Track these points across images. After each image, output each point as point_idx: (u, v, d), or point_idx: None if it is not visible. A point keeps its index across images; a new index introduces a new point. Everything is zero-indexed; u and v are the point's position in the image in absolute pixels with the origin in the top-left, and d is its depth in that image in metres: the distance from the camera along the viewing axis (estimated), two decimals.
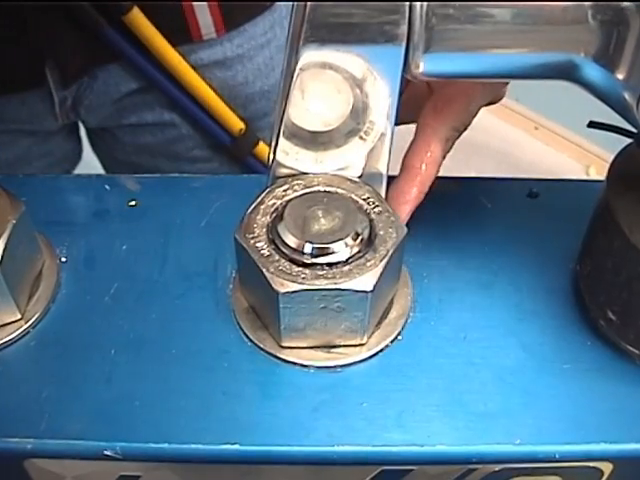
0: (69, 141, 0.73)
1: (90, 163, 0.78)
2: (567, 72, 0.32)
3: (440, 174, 0.39)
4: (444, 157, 0.38)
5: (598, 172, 1.72)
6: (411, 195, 0.37)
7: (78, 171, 0.76)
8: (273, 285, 0.31)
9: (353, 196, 0.35)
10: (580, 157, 1.77)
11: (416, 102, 0.40)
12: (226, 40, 0.64)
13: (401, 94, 0.40)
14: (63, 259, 0.40)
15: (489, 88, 0.39)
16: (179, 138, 0.71)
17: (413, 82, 0.40)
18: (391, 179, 0.37)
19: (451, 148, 0.38)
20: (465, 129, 0.38)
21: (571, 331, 0.36)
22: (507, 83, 0.40)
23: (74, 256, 0.40)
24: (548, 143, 1.81)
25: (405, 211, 0.36)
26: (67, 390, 0.34)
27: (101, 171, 0.79)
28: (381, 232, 0.34)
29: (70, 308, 0.37)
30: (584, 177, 1.73)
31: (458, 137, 0.38)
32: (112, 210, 0.43)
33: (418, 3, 0.30)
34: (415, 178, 0.37)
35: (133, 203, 0.43)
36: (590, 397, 0.34)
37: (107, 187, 0.44)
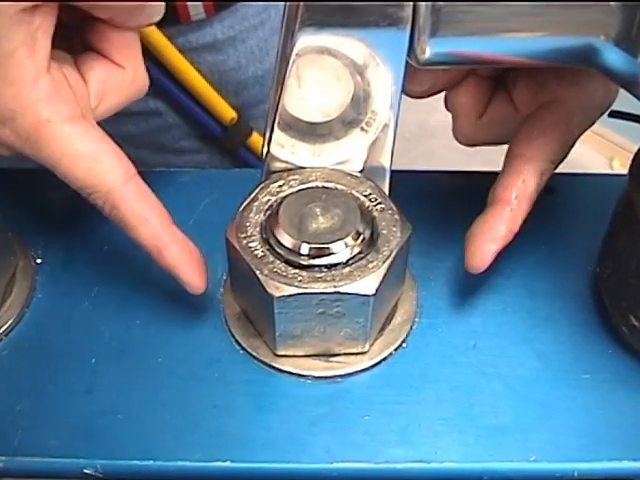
0: None
1: None
2: (586, 57, 0.32)
3: (446, 168, 0.39)
4: (538, 193, 0.36)
5: (623, 165, 1.73)
6: (499, 233, 0.35)
7: None
8: (267, 288, 0.32)
9: (354, 192, 0.35)
10: (603, 148, 1.77)
11: (501, 124, 0.40)
12: (216, 21, 0.64)
13: (440, 91, 0.40)
14: (38, 260, 0.40)
15: (588, 114, 0.38)
16: (165, 128, 0.71)
17: (496, 102, 0.39)
18: (395, 174, 0.37)
19: (545, 184, 0.37)
20: (561, 162, 0.37)
21: (590, 339, 0.37)
22: (606, 110, 0.39)
23: (50, 257, 0.40)
24: None
25: (490, 251, 0.35)
26: (43, 403, 0.34)
27: None
28: (384, 231, 0.34)
29: (46, 314, 0.38)
30: (607, 170, 1.73)
31: (553, 170, 0.37)
32: (92, 207, 0.43)
33: None
34: (505, 214, 0.35)
35: None
36: (611, 410, 0.34)
37: None
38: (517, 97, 0.40)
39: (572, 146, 0.38)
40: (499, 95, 0.40)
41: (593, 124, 0.40)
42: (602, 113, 0.40)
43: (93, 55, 0.36)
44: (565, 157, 0.38)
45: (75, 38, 0.36)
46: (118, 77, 0.36)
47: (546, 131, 0.37)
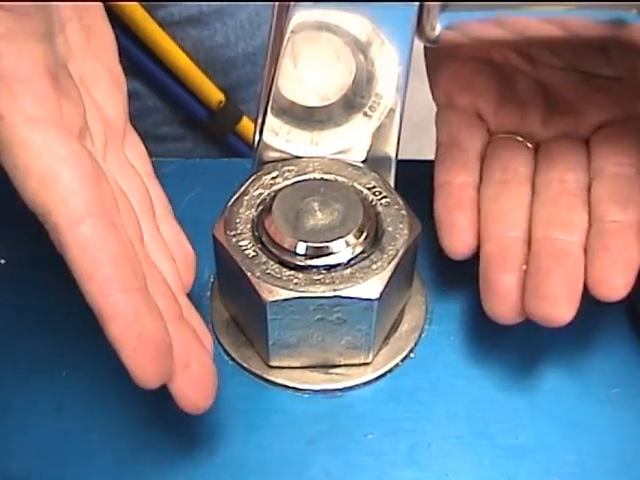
0: None
1: None
2: (615, 32, 0.32)
3: None
4: None
5: None
6: None
7: None
8: (260, 292, 0.32)
9: (356, 185, 0.36)
10: None
11: None
12: None
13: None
14: (2, 261, 0.40)
15: (618, 99, 0.38)
16: (144, 112, 0.71)
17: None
18: (402, 164, 0.37)
19: None
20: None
21: (621, 348, 0.37)
22: None
23: (15, 257, 0.40)
24: None
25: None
26: (6, 421, 0.34)
27: None
28: (389, 228, 0.34)
29: (11, 320, 0.38)
30: None
31: None
32: None
33: None
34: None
35: None
36: None
37: None
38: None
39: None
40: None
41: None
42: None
43: None
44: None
45: None
46: None
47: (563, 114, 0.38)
